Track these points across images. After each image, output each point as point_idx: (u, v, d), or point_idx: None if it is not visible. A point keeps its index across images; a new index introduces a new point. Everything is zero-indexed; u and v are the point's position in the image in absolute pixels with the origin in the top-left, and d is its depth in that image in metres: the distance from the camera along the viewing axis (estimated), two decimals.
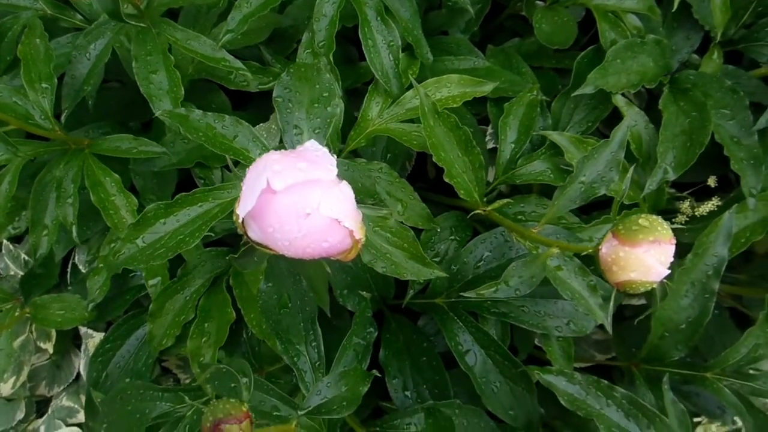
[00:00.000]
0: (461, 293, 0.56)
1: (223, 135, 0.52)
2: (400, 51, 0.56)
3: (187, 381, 0.68)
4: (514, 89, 0.64)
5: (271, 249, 0.34)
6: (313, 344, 0.46)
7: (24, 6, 0.68)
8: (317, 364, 0.45)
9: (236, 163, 0.64)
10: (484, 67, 0.66)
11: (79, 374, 0.73)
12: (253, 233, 0.33)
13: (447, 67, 0.65)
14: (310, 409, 0.40)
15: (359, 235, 0.33)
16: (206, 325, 0.56)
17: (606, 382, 0.52)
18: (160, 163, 0.61)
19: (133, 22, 0.53)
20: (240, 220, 0.33)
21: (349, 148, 0.57)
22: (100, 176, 0.57)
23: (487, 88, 0.58)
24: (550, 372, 0.52)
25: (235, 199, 0.50)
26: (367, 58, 0.55)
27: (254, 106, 0.71)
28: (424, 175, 0.74)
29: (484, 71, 0.65)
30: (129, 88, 0.74)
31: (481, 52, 0.69)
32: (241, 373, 0.34)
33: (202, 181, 0.64)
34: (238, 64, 0.57)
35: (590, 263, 0.52)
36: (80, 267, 0.67)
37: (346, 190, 0.32)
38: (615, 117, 0.66)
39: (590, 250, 0.40)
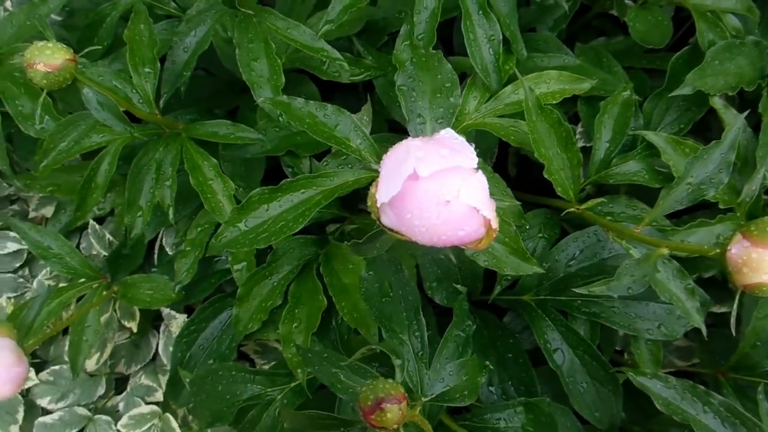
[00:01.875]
0: (556, 291, 0.56)
1: (324, 123, 0.53)
2: (501, 45, 0.56)
3: (264, 366, 0.69)
4: (606, 88, 0.63)
5: (404, 235, 0.34)
6: (416, 334, 0.46)
7: None
8: (420, 354, 0.45)
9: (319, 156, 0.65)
10: (575, 65, 0.65)
11: (156, 354, 0.75)
12: (387, 219, 0.34)
13: (536, 65, 0.64)
14: (434, 396, 0.40)
15: (495, 224, 0.33)
16: (297, 311, 0.57)
17: (702, 387, 0.51)
18: (252, 150, 0.62)
19: (243, 9, 0.54)
20: (378, 205, 0.33)
21: None
22: (198, 160, 0.58)
23: (585, 85, 0.58)
24: (643, 374, 0.51)
25: (338, 187, 0.51)
26: (468, 52, 0.55)
27: (340, 98, 0.72)
28: (503, 173, 0.73)
29: (575, 69, 0.65)
30: (215, 77, 0.76)
31: (569, 50, 0.68)
32: (394, 355, 0.34)
33: (290, 170, 0.65)
34: (336, 54, 0.58)
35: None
36: (167, 249, 0.69)
37: (482, 179, 0.32)
38: (702, 120, 0.65)
39: (714, 253, 0.39)
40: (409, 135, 0.66)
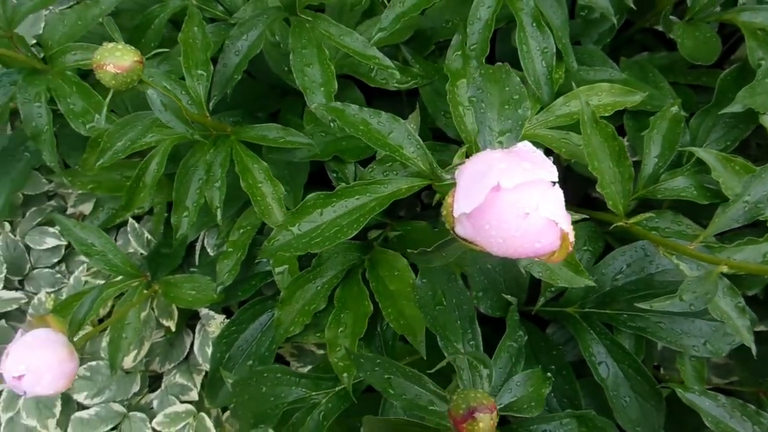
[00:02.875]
0: (602, 304, 0.56)
1: (378, 131, 0.53)
2: (554, 58, 0.56)
3: (300, 369, 0.69)
4: (653, 103, 0.63)
5: (477, 246, 0.34)
6: (470, 343, 0.47)
7: None
8: (474, 363, 0.45)
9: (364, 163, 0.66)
10: (621, 79, 0.65)
11: (189, 353, 0.75)
12: (463, 229, 0.34)
13: (582, 78, 0.64)
14: (502, 406, 0.41)
15: (572, 237, 0.33)
16: (342, 315, 0.57)
17: (752, 406, 0.51)
18: (299, 155, 0.63)
19: (300, 15, 0.54)
20: (455, 215, 0.33)
21: None
22: (248, 163, 0.58)
23: (636, 98, 0.58)
24: (692, 391, 0.51)
25: (392, 195, 0.51)
26: (522, 64, 0.55)
27: (381, 104, 0.72)
28: None
29: (621, 83, 0.65)
30: (257, 80, 0.76)
31: (615, 64, 0.69)
32: (483, 365, 0.34)
33: (335, 175, 0.65)
34: (387, 62, 0.58)
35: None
36: (208, 250, 0.69)
37: (560, 193, 0.33)
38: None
39: None
40: (456, 144, 0.66)
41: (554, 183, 0.32)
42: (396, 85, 0.64)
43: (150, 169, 0.61)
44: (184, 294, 0.65)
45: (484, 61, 0.57)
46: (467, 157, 0.56)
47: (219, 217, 0.58)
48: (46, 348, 0.49)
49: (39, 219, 0.79)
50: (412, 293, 0.56)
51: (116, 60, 0.43)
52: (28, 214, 0.80)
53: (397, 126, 0.53)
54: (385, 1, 0.70)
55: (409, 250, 0.44)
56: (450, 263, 0.58)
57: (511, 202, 0.31)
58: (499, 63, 0.42)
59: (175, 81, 0.62)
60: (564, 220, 0.32)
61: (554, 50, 0.56)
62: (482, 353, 0.40)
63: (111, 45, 0.44)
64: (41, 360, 0.48)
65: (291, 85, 0.70)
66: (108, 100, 0.45)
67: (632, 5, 0.63)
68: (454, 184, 0.36)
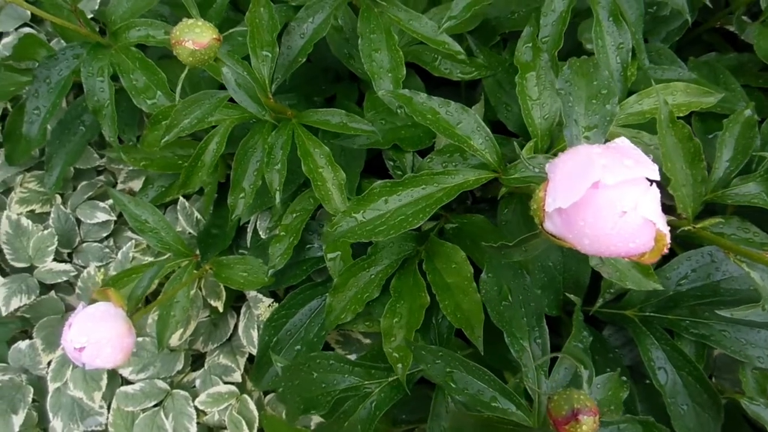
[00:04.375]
0: (664, 309, 0.54)
1: (446, 120, 0.52)
2: (629, 55, 0.55)
3: (346, 356, 0.69)
4: (724, 105, 0.61)
5: (568, 242, 0.33)
6: (537, 341, 0.46)
7: None
8: (540, 361, 0.45)
9: (422, 153, 0.65)
10: (690, 80, 0.64)
11: (233, 334, 0.76)
12: (553, 225, 0.33)
13: (651, 76, 0.63)
14: None
15: (668, 239, 0.32)
16: (398, 305, 0.57)
17: None
18: (359, 141, 0.62)
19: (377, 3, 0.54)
20: (547, 210, 0.32)
21: (559, 147, 0.56)
22: (310, 147, 0.58)
23: (711, 99, 0.56)
24: (757, 403, 0.50)
25: (459, 185, 0.50)
26: (597, 59, 0.54)
27: (439, 93, 0.71)
28: None
29: (691, 84, 0.63)
30: (314, 65, 0.76)
31: (683, 63, 0.67)
32: (582, 364, 0.34)
33: (392, 163, 0.65)
34: (457, 47, 0.57)
35: None
36: (260, 233, 0.69)
37: (657, 192, 0.32)
38: None
39: None
40: (515, 137, 0.65)
41: (652, 181, 0.31)
42: (460, 75, 0.63)
43: (209, 149, 0.61)
44: (235, 275, 0.65)
45: (556, 54, 0.56)
46: (535, 152, 0.55)
47: (278, 199, 0.58)
48: (106, 321, 0.49)
49: (90, 193, 0.80)
50: (469, 286, 0.56)
51: (195, 36, 0.43)
52: (79, 187, 0.81)
53: (466, 116, 0.52)
54: None
55: (483, 243, 0.43)
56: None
57: (610, 199, 0.30)
58: (586, 56, 0.41)
59: (237, 61, 0.61)
60: (661, 220, 0.31)
61: (630, 47, 0.54)
62: (581, 352, 0.39)
63: (190, 21, 0.43)
64: (102, 333, 0.49)
65: (349, 69, 0.69)
66: (183, 75, 0.45)
67: (709, 3, 0.61)
68: (542, 179, 0.35)
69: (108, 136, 0.65)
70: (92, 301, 0.51)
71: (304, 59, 0.60)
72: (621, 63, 0.55)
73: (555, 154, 0.58)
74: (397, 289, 0.58)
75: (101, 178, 0.84)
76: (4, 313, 0.70)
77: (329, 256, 0.63)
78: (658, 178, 0.31)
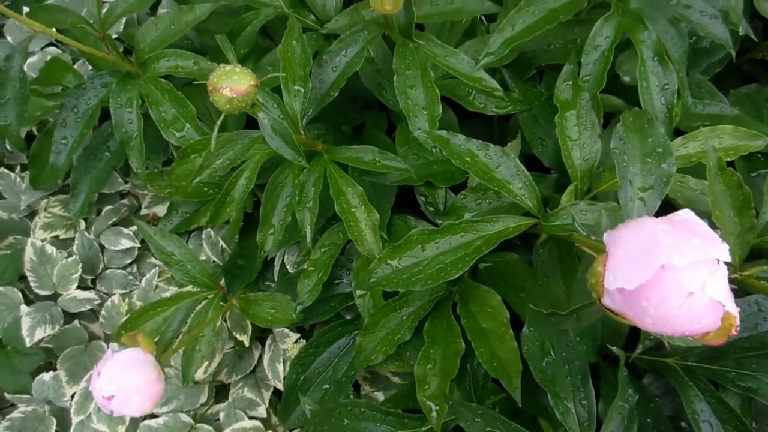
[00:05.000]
0: (708, 359, 0.52)
1: (485, 164, 0.51)
2: (675, 96, 0.53)
3: (373, 394, 0.67)
4: None
5: (628, 319, 0.31)
6: (582, 402, 0.44)
7: (265, 2, 0.69)
8: (586, 424, 0.43)
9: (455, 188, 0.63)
10: (732, 116, 0.62)
11: (257, 366, 0.74)
12: (612, 301, 0.31)
13: (692, 111, 0.61)
14: None
15: (738, 321, 0.30)
16: (432, 351, 0.55)
17: None
18: (391, 178, 0.60)
19: (412, 40, 0.52)
20: (610, 289, 0.30)
21: (599, 189, 0.54)
22: (342, 185, 0.56)
23: (759, 143, 0.54)
24: None
25: (499, 234, 0.48)
26: (641, 100, 0.52)
27: (470, 125, 0.69)
28: None
29: (733, 120, 0.61)
30: (342, 93, 0.74)
31: (724, 97, 0.65)
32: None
33: (424, 199, 0.63)
34: (494, 84, 0.56)
35: None
36: (288, 266, 0.68)
37: (725, 271, 0.30)
38: None
39: None
40: (548, 172, 0.63)
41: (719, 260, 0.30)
42: (495, 110, 0.61)
43: (239, 184, 0.60)
44: (262, 312, 0.63)
45: (598, 94, 0.54)
46: (576, 198, 0.53)
47: (309, 239, 0.57)
48: (135, 369, 0.48)
49: (114, 219, 0.79)
50: (506, 333, 0.54)
51: (233, 84, 0.41)
52: (103, 213, 0.80)
53: (506, 160, 0.50)
54: (483, 19, 0.67)
55: (531, 307, 0.41)
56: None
57: (678, 280, 0.29)
58: (638, 109, 0.39)
59: (267, 94, 0.60)
60: (729, 301, 0.29)
61: (675, 88, 0.53)
62: (627, 412, 0.37)
63: (228, 68, 0.42)
64: (131, 381, 0.48)
65: (378, 99, 0.68)
66: (219, 123, 0.43)
67: (753, 36, 0.59)
68: (600, 248, 0.33)
69: (135, 167, 0.64)
70: (121, 345, 0.50)
71: (337, 94, 0.59)
72: (666, 104, 0.53)
73: (595, 197, 0.56)
74: (431, 333, 0.56)
75: (125, 201, 0.83)
76: (28, 344, 0.69)
77: (358, 292, 0.62)
78: (728, 258, 0.29)
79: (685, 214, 0.31)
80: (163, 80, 0.62)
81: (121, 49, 0.87)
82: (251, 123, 0.58)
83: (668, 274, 0.29)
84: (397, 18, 0.50)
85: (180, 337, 0.64)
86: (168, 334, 0.51)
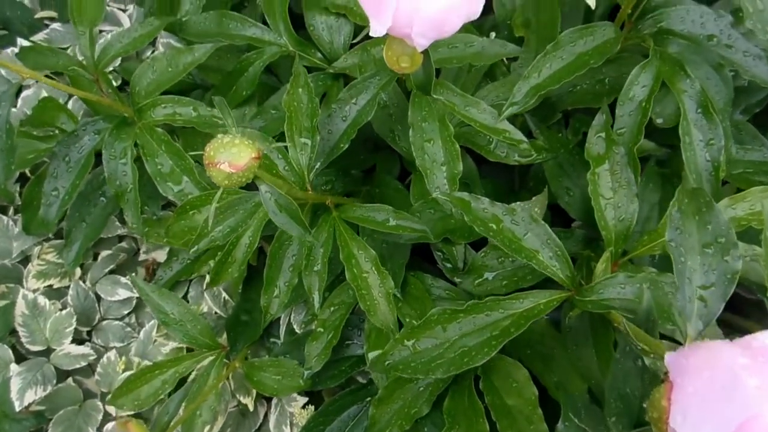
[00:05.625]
0: None
1: (511, 230, 0.46)
2: (722, 152, 0.48)
3: None
4: None
5: None
6: None
7: (269, 41, 0.64)
8: None
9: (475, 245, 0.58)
10: None
11: (262, 424, 0.70)
12: None
13: (732, 158, 0.56)
14: None
15: None
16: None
17: None
18: (406, 236, 0.56)
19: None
20: (677, 429, 0.26)
21: (636, 252, 0.49)
22: (353, 248, 0.52)
23: None
24: None
25: (529, 312, 0.43)
26: (684, 157, 0.47)
27: (488, 170, 0.65)
28: None
29: None
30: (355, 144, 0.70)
31: (766, 140, 0.60)
32: None
33: (441, 255, 0.59)
34: (520, 136, 0.51)
35: None
36: (295, 326, 0.63)
37: None
38: None
39: None
40: (572, 221, 0.58)
41: None
42: (518, 159, 0.57)
43: (242, 243, 0.55)
44: (268, 380, 0.59)
45: (634, 151, 0.49)
46: (615, 265, 0.48)
47: (317, 306, 0.52)
48: None
49: (111, 266, 0.75)
50: (534, 413, 0.49)
51: (232, 158, 0.37)
52: (100, 259, 0.75)
53: (535, 227, 0.45)
54: (504, 58, 0.62)
55: (565, 393, 0.36)
56: (575, 379, 0.51)
57: (763, 427, 0.24)
58: (694, 187, 0.35)
59: (270, 143, 0.56)
60: None
61: (722, 144, 0.47)
62: None
63: (227, 139, 0.38)
64: None
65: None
66: (218, 196, 0.39)
67: None
68: (653, 345, 0.28)
69: (131, 222, 0.60)
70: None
71: (347, 145, 0.54)
72: (711, 162, 0.48)
73: (631, 261, 0.51)
74: (451, 412, 0.51)
75: (123, 244, 0.79)
76: (17, 408, 0.65)
77: (371, 354, 0.57)
78: None
79: (765, 338, 0.26)
80: (159, 129, 0.58)
81: (120, 81, 0.84)
82: None
83: (752, 423, 0.24)
84: (415, 76, 0.45)
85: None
86: (164, 417, 0.46)
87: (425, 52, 0.44)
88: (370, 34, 0.37)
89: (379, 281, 0.51)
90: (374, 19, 0.37)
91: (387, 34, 0.37)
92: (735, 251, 0.32)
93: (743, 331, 0.46)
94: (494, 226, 0.46)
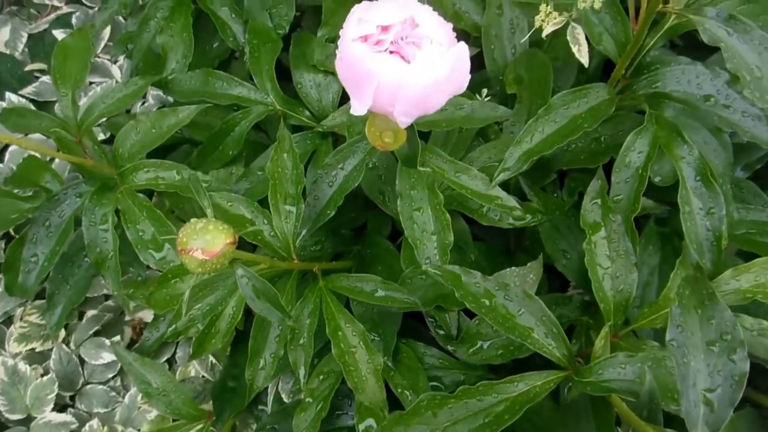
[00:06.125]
0: None
1: (505, 307, 0.44)
2: (723, 222, 0.46)
3: None
4: None
5: None
6: None
7: (255, 100, 0.63)
8: None
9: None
10: None
11: None
12: None
13: (732, 221, 0.54)
14: None
15: None
16: None
17: None
18: (396, 305, 0.53)
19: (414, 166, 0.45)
20: None
21: (638, 324, 0.47)
22: (340, 321, 0.49)
23: None
24: None
25: (523, 396, 0.41)
26: (684, 227, 0.45)
27: (483, 235, 0.63)
28: None
29: None
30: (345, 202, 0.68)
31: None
32: None
33: (433, 322, 0.56)
34: (513, 203, 0.49)
35: None
36: (283, 396, 0.61)
37: None
38: None
39: None
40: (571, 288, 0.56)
41: None
42: (511, 222, 0.55)
43: (225, 314, 0.53)
44: None
45: (632, 219, 0.47)
46: (614, 336, 0.46)
47: (302, 381, 0.50)
48: None
49: (96, 327, 0.72)
50: None
51: (206, 244, 0.35)
52: (85, 320, 0.73)
53: (529, 303, 0.43)
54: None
55: None
56: None
57: None
58: (694, 273, 0.33)
59: (256, 209, 0.54)
60: None
61: (723, 213, 0.45)
62: None
63: (200, 224, 0.36)
64: None
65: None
66: (191, 283, 0.37)
67: None
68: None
69: (112, 290, 0.58)
70: None
71: (334, 212, 0.52)
72: (712, 231, 0.46)
73: (634, 332, 0.49)
74: None
75: (110, 303, 0.76)
76: None
77: (361, 425, 0.55)
78: None
79: None
80: (141, 195, 0.56)
81: (108, 135, 0.82)
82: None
83: None
84: (400, 151, 0.44)
85: None
86: None
87: (410, 126, 0.42)
88: (351, 112, 0.36)
89: (367, 357, 0.48)
90: (354, 98, 0.35)
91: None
92: (742, 351, 0.29)
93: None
94: (487, 302, 0.44)
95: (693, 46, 0.70)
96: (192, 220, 0.36)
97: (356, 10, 0.35)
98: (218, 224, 0.36)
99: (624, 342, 0.47)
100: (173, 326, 0.44)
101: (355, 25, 0.34)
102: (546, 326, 0.43)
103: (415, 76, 0.34)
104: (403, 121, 0.36)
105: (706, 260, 0.46)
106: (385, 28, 0.34)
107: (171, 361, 0.74)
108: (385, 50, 0.34)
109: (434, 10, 0.59)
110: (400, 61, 0.34)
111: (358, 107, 0.35)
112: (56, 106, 0.77)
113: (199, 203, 0.38)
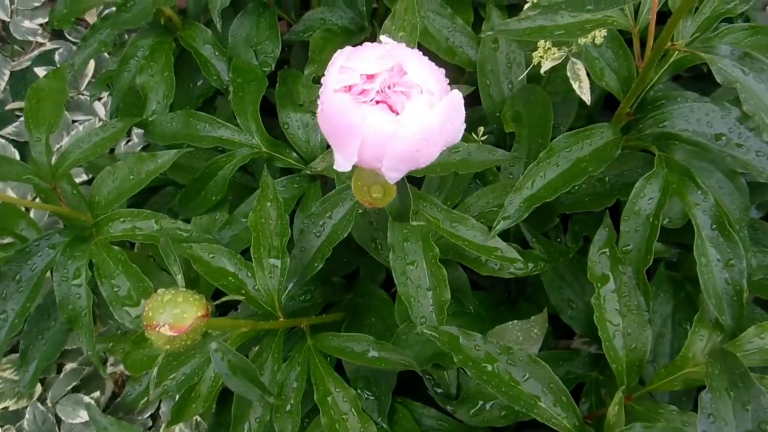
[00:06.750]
0: None
1: (508, 373, 0.40)
2: (744, 275, 0.42)
3: None
4: None
5: None
6: None
7: (239, 142, 0.60)
8: None
9: None
10: None
11: None
12: None
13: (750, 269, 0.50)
14: None
15: None
16: None
17: None
18: (390, 366, 0.49)
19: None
20: None
21: (653, 386, 0.43)
22: (330, 385, 0.45)
23: None
24: None
25: None
26: (701, 281, 0.42)
27: (481, 282, 0.59)
28: None
29: None
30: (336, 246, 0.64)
31: None
32: None
33: (431, 380, 0.52)
34: (514, 254, 0.46)
35: None
36: None
37: None
38: None
39: None
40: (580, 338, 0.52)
41: None
42: (513, 272, 0.51)
43: (206, 377, 0.49)
44: None
45: (644, 272, 0.43)
46: (628, 398, 0.42)
47: None
48: None
49: (75, 382, 0.68)
50: None
51: (174, 319, 0.31)
52: (63, 375, 0.69)
53: (534, 368, 0.40)
54: None
55: None
56: None
57: None
58: (725, 349, 0.29)
59: (239, 262, 0.50)
60: None
61: (744, 265, 0.42)
62: None
63: (168, 295, 0.32)
64: None
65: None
66: (159, 360, 0.33)
67: None
68: None
69: (87, 348, 0.53)
70: None
71: (322, 264, 0.49)
72: (732, 286, 0.42)
73: (650, 393, 0.45)
74: None
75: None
76: None
77: None
78: None
79: None
80: (116, 248, 0.53)
81: (90, 176, 0.79)
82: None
83: None
84: (390, 206, 0.40)
85: None
86: None
87: (401, 179, 0.39)
88: (335, 168, 0.32)
89: (359, 425, 0.44)
90: (338, 154, 0.32)
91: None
92: (765, 398, 0.26)
93: None
94: (488, 367, 0.40)
95: (698, 77, 0.67)
96: (159, 290, 0.32)
97: (338, 57, 0.32)
98: (188, 294, 0.32)
99: (639, 406, 0.43)
100: (144, 399, 0.40)
101: (336, 74, 0.31)
102: (554, 394, 0.39)
103: (403, 130, 0.30)
104: (392, 177, 0.33)
105: (726, 316, 0.42)
106: (370, 77, 0.31)
107: (155, 417, 0.70)
108: (371, 100, 0.31)
109: (426, 44, 0.57)
110: (387, 112, 0.31)
111: (342, 163, 0.32)
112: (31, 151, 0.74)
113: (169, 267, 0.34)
